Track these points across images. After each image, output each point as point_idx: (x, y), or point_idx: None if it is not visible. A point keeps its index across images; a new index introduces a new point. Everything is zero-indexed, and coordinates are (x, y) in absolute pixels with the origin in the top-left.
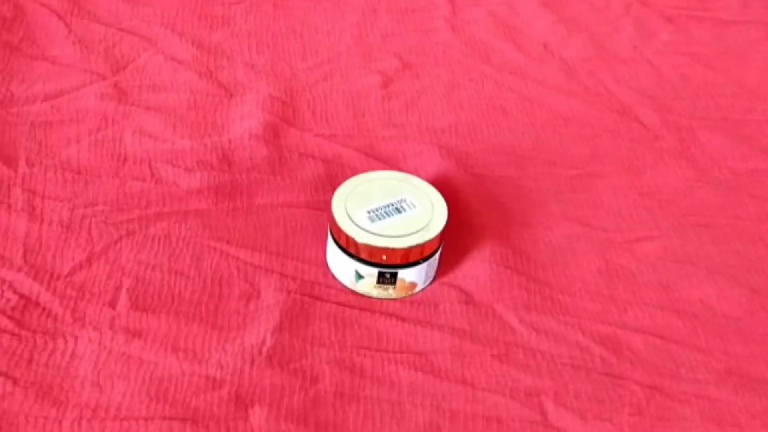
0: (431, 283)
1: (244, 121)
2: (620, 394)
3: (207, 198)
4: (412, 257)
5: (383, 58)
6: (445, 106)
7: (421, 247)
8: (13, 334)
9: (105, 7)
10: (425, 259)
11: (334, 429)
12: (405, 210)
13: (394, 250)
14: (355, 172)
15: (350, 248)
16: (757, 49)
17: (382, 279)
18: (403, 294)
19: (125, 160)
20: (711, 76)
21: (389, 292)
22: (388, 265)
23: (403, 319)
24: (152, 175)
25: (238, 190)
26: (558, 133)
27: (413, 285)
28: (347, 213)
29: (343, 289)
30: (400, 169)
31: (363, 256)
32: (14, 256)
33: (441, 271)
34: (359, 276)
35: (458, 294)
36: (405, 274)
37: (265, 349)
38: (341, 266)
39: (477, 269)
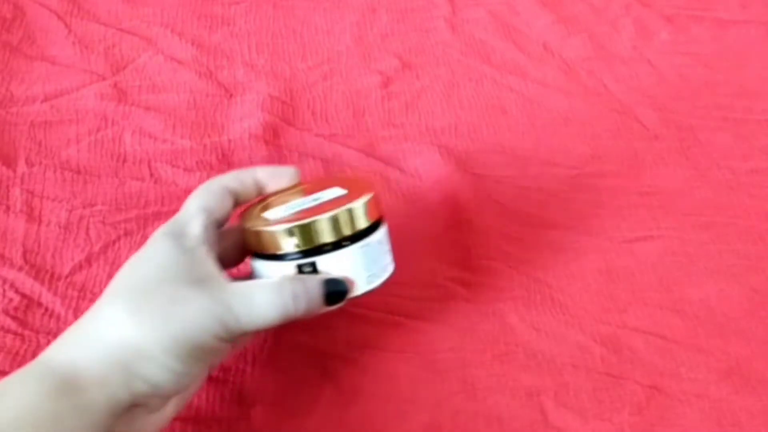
0: (382, 284)
1: (244, 121)
2: (620, 393)
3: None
4: (327, 236)
5: (383, 57)
6: (444, 105)
7: (337, 220)
8: (16, 334)
9: (105, 7)
10: (351, 239)
11: (334, 429)
12: (322, 198)
13: (303, 227)
14: (354, 171)
15: (263, 247)
16: (757, 49)
17: (302, 274)
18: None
19: (124, 160)
20: (711, 76)
21: None
22: (305, 252)
23: (403, 319)
24: (151, 175)
25: None
26: (558, 132)
27: (348, 280)
28: (255, 220)
29: None
30: (400, 169)
31: (271, 249)
32: (14, 256)
33: (442, 270)
34: None
35: (459, 293)
36: (327, 264)
37: (266, 349)
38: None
39: (477, 268)
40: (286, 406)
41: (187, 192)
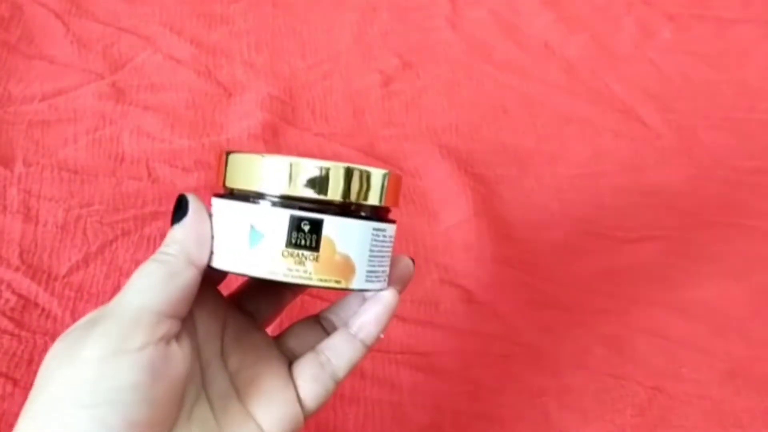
0: (379, 285)
1: (243, 121)
2: (622, 394)
3: (204, 197)
4: (348, 193)
5: (383, 56)
6: (445, 105)
7: (364, 179)
8: (12, 334)
9: (103, 6)
10: (368, 215)
11: (334, 431)
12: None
13: (323, 168)
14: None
15: (249, 179)
16: (758, 48)
17: (297, 234)
18: (329, 277)
19: (122, 159)
20: (713, 75)
21: (306, 267)
22: (308, 202)
23: (403, 320)
24: (149, 174)
25: None
26: (559, 132)
27: (348, 263)
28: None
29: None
30: (400, 169)
31: (261, 185)
32: (11, 257)
33: (443, 270)
34: (257, 235)
35: (459, 293)
36: (335, 230)
37: None
38: (229, 231)
39: (478, 269)
40: None
41: (185, 192)
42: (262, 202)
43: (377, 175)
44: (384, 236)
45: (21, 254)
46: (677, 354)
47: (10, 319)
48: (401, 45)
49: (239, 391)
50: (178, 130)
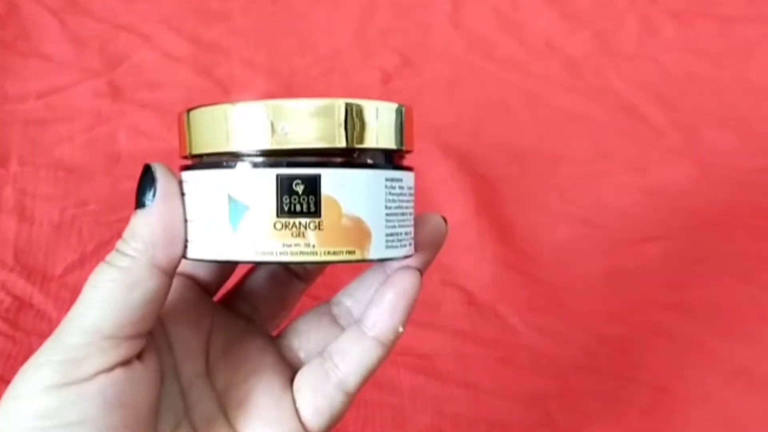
0: (405, 251)
1: None
2: (626, 396)
3: None
4: (349, 136)
5: (383, 54)
6: (446, 103)
7: (369, 116)
8: (7, 336)
9: (100, 3)
10: (377, 162)
11: None
12: None
13: (316, 111)
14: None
15: (217, 140)
16: (763, 46)
17: (290, 198)
18: (339, 248)
19: (119, 158)
20: (717, 73)
21: (308, 239)
22: (298, 159)
23: None
24: None
25: None
26: (561, 130)
27: (360, 227)
28: None
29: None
30: None
31: (234, 145)
32: (6, 257)
33: (443, 272)
34: (238, 207)
35: (460, 295)
36: (337, 187)
37: None
38: (204, 209)
39: (479, 269)
40: None
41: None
42: (239, 164)
43: (386, 110)
44: (401, 188)
45: (16, 254)
46: (681, 355)
47: (5, 320)
48: (401, 42)
49: (228, 414)
50: (175, 129)
